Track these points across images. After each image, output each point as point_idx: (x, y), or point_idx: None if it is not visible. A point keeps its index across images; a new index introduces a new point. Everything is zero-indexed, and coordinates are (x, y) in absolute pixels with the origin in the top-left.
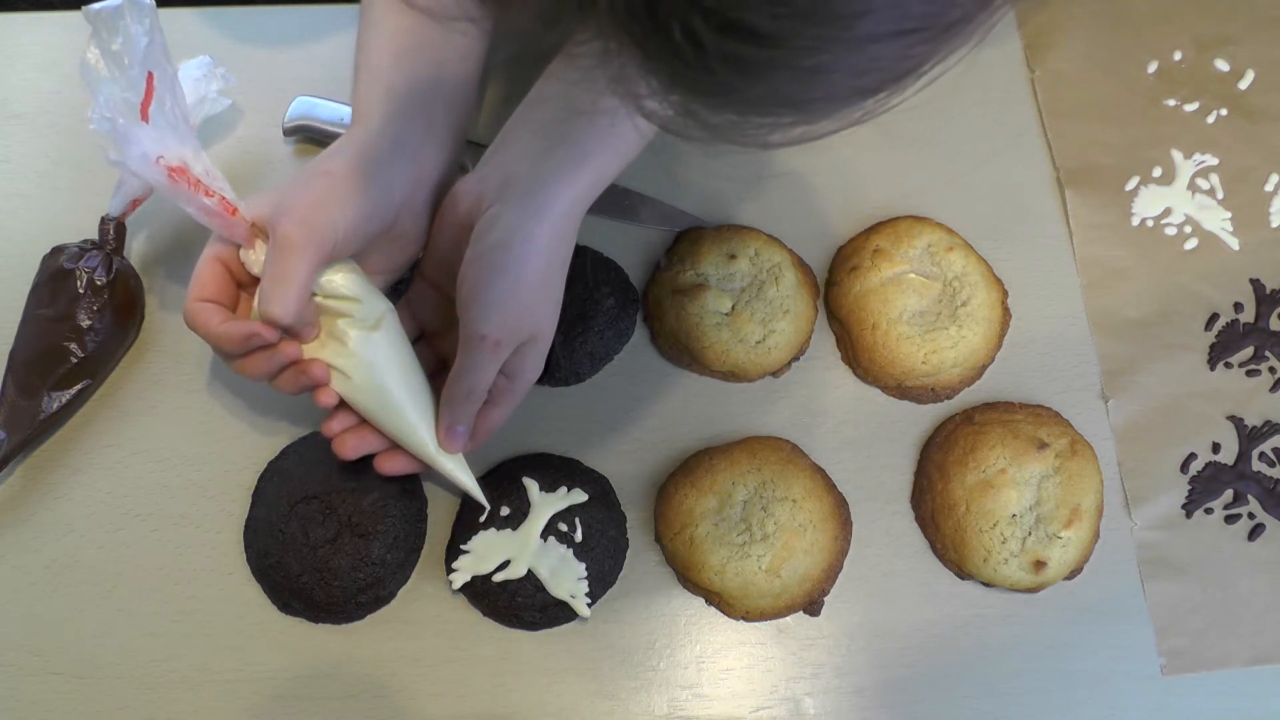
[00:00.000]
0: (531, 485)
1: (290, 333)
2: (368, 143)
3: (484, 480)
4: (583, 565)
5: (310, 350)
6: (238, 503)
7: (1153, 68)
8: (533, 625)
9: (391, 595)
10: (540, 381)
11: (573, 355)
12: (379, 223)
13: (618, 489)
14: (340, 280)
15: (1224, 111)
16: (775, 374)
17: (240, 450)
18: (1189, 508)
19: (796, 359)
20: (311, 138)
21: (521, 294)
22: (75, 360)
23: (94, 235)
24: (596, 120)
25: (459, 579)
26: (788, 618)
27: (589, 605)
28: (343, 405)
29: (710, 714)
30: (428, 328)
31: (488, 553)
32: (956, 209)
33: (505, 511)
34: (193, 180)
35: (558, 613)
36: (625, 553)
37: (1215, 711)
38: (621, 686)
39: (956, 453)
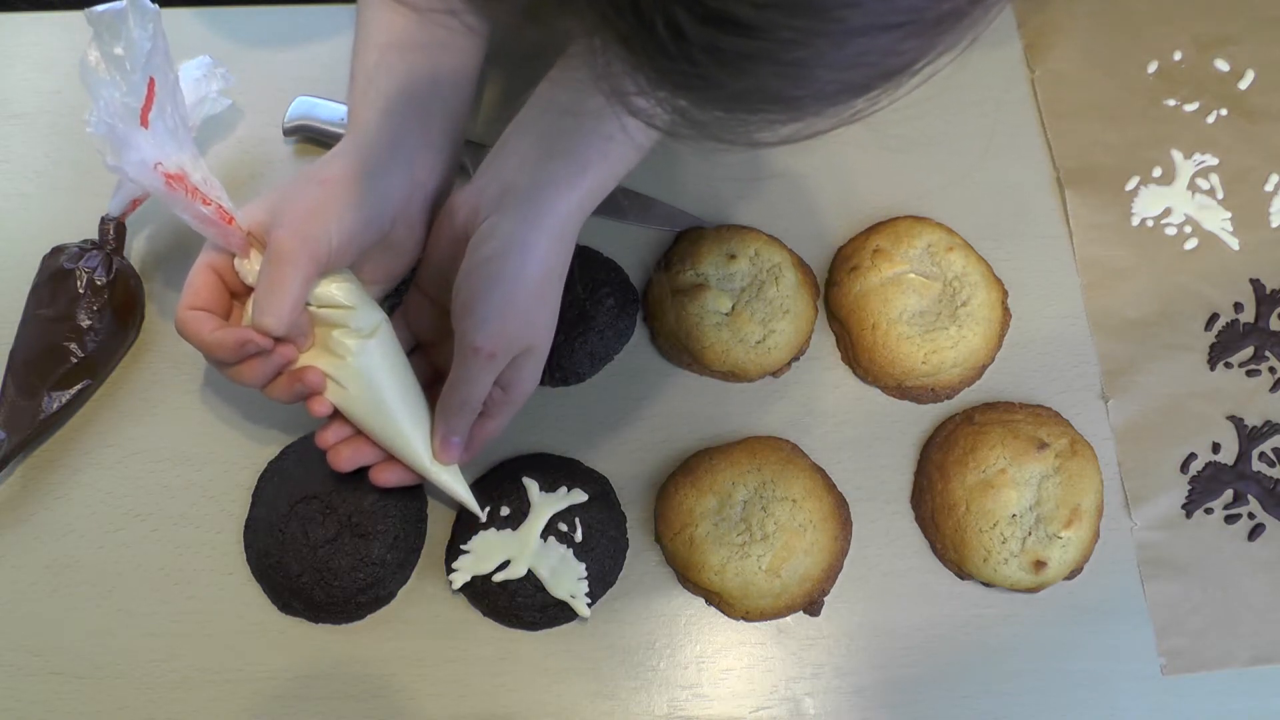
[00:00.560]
0: (531, 485)
1: (283, 343)
2: (363, 149)
3: (484, 480)
4: (583, 565)
5: (305, 360)
6: (238, 503)
7: (1153, 68)
8: (533, 625)
9: (391, 595)
10: (540, 381)
11: (573, 355)
12: (374, 232)
13: (618, 489)
14: (335, 290)
15: (1224, 111)
16: (775, 374)
17: (240, 450)
18: (1189, 508)
19: (796, 359)
20: (311, 138)
21: (517, 305)
22: (75, 360)
23: (94, 235)
24: (596, 129)
25: (459, 579)
26: (788, 618)
27: (589, 605)
28: (337, 416)
29: (710, 714)
30: (423, 338)
31: (488, 553)
32: (956, 209)
33: (505, 511)
34: (190, 188)
35: (558, 613)
36: (625, 553)
37: (1215, 711)
38: (621, 686)
39: (956, 453)
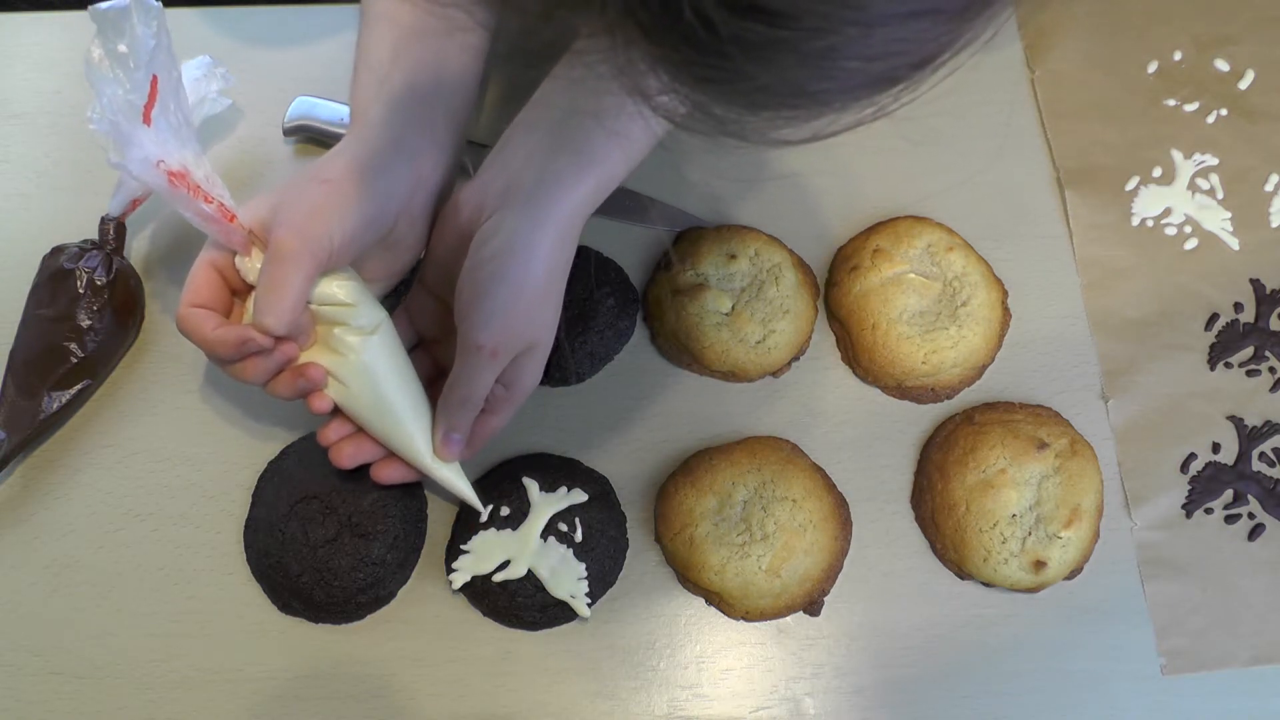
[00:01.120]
0: (531, 485)
1: (284, 341)
2: (366, 146)
3: (484, 480)
4: (583, 565)
5: (306, 358)
6: (238, 503)
7: (1153, 68)
8: (533, 625)
9: (391, 595)
10: (541, 381)
11: (573, 355)
12: (376, 230)
13: (618, 489)
14: (336, 288)
15: (1224, 111)
16: (775, 374)
17: (240, 450)
18: (1189, 508)
19: (796, 359)
20: (311, 138)
21: (521, 303)
22: (75, 360)
23: (94, 235)
24: (601, 124)
25: (459, 579)
26: (788, 618)
27: (589, 605)
28: (339, 413)
29: (710, 714)
30: (426, 335)
31: (488, 553)
32: (956, 209)
33: (505, 511)
34: (193, 186)
35: (558, 613)
36: (625, 553)
37: (1215, 711)
38: (621, 686)
39: (956, 453)
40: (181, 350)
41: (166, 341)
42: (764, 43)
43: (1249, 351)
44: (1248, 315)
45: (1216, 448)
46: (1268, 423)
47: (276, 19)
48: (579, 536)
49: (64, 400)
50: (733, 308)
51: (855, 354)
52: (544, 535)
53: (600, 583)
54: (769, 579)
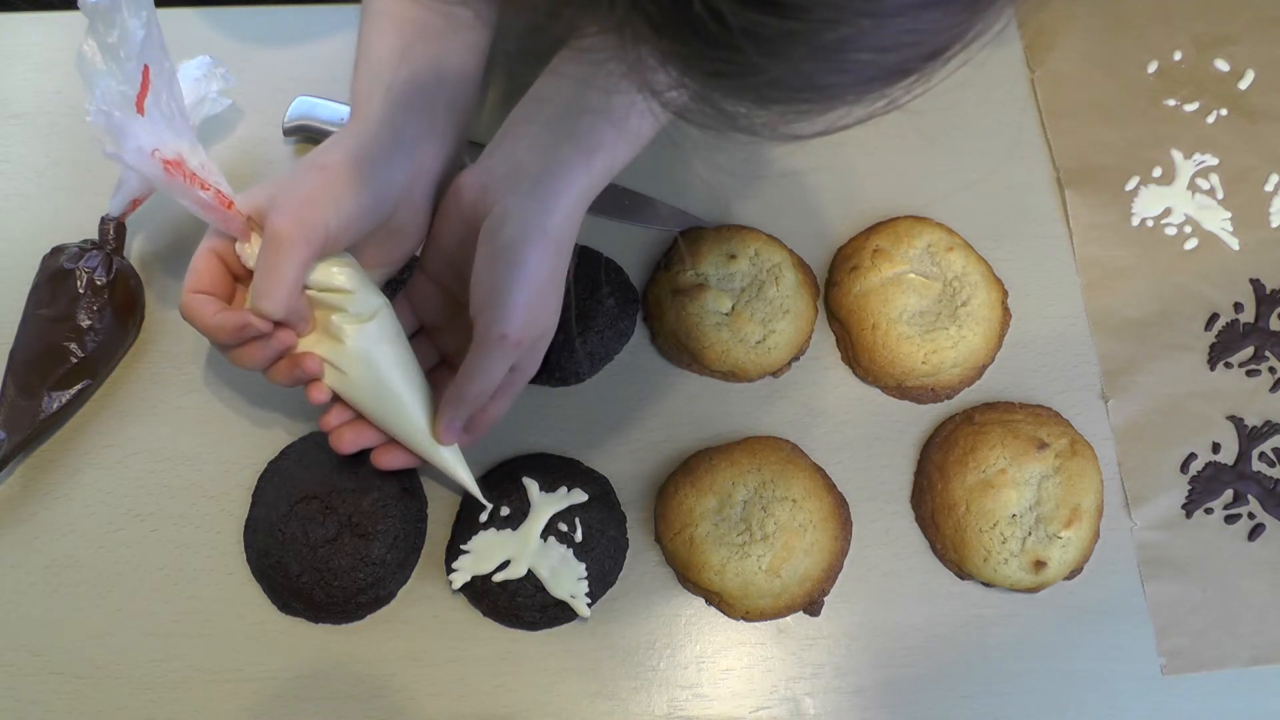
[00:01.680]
0: (531, 485)
1: (283, 326)
2: (366, 136)
3: (484, 480)
4: (583, 565)
5: (305, 344)
6: (238, 503)
7: (1153, 68)
8: (533, 625)
9: (391, 595)
10: (540, 381)
11: (573, 355)
12: (374, 218)
13: (618, 489)
14: (335, 274)
15: (1224, 111)
16: (775, 374)
17: (240, 450)
18: (1189, 508)
19: (796, 359)
20: (311, 138)
21: (539, 292)
22: (75, 360)
23: (94, 235)
24: (606, 113)
25: (459, 579)
26: (788, 618)
27: (589, 605)
28: (340, 399)
29: (710, 714)
30: (428, 322)
31: (488, 553)
32: (956, 209)
33: (505, 511)
34: (188, 173)
35: (558, 613)
36: (625, 553)
37: (1215, 711)
38: (621, 686)
39: (956, 453)
40: (182, 350)
41: (166, 341)
42: (775, 35)
43: (1249, 351)
44: (1248, 315)
45: (1216, 448)
46: (1268, 423)
47: (276, 19)
48: (579, 536)
49: (64, 400)
50: (733, 308)
51: (855, 354)
52: (544, 535)
53: (600, 583)
54: (769, 579)
